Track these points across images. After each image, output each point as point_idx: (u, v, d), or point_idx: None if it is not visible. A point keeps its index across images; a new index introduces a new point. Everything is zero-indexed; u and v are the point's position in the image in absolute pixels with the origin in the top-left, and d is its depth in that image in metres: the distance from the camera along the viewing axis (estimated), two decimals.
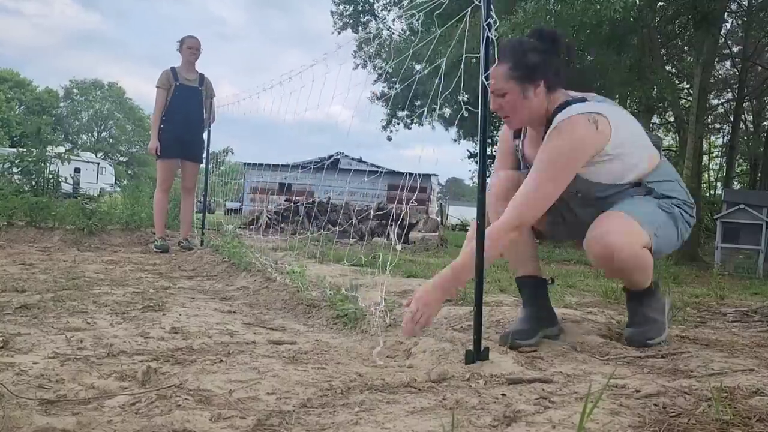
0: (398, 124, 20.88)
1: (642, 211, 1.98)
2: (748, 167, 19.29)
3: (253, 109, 4.89)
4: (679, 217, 2.05)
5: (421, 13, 2.32)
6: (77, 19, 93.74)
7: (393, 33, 18.87)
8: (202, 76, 5.56)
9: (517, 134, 2.22)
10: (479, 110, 1.70)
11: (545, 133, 1.97)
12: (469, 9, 1.81)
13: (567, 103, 1.97)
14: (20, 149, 7.85)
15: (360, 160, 23.94)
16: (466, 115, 1.73)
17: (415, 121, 19.91)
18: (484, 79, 1.69)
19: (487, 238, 1.77)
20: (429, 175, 22.87)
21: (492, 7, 1.69)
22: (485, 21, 1.68)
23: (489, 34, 1.68)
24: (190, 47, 5.45)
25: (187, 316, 2.33)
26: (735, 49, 17.27)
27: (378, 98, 20.49)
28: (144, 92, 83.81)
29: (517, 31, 9.62)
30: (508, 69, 1.91)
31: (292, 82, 3.50)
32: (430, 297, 1.89)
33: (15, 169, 7.25)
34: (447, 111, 17.62)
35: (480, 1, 1.69)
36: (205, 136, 5.73)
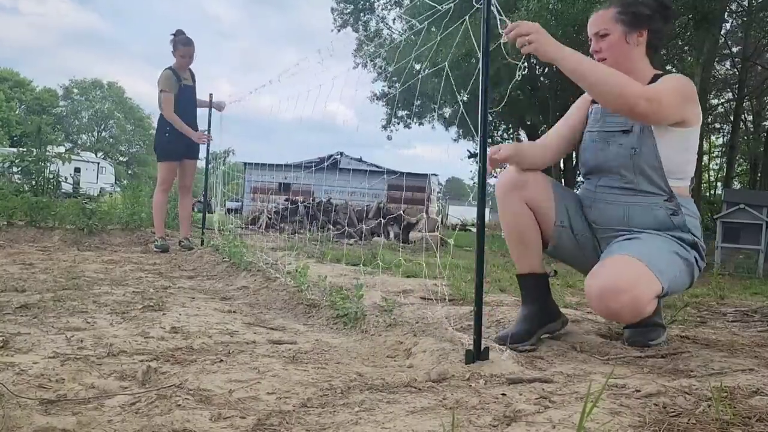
0: (398, 123, 20.89)
1: (661, 258, 1.88)
2: (748, 167, 19.30)
3: (254, 109, 4.90)
4: (694, 264, 1.98)
5: (422, 15, 2.32)
6: (71, 18, 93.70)
7: (393, 33, 18.88)
8: (192, 73, 5.56)
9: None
10: (479, 110, 1.70)
11: None
12: (467, 16, 1.82)
13: (668, 72, 2.03)
14: (20, 149, 7.85)
15: (360, 160, 23.95)
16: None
17: (414, 120, 19.94)
18: (483, 82, 1.69)
19: (611, 72, 1.81)
20: (429, 175, 22.88)
21: (495, 6, 1.69)
22: (485, 21, 1.69)
23: (485, 41, 1.69)
24: (183, 56, 5.36)
25: (187, 316, 2.33)
26: (735, 49, 17.28)
27: (378, 98, 20.51)
28: (141, 91, 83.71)
29: None
30: (615, 12, 1.98)
31: (292, 82, 3.52)
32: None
33: (15, 169, 7.25)
34: (447, 111, 17.64)
35: (480, 4, 1.69)
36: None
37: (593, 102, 2.15)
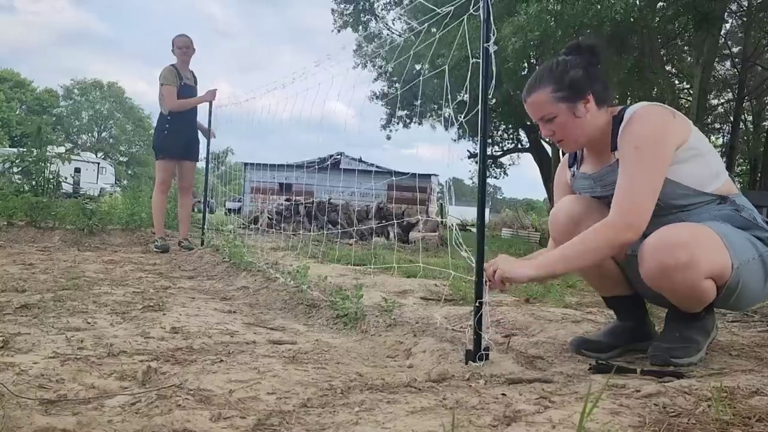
0: (398, 123, 20.90)
1: (736, 237, 1.66)
2: (748, 167, 19.30)
3: (254, 109, 4.91)
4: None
5: (422, 18, 2.33)
6: (67, 17, 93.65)
7: (393, 33, 18.89)
8: (193, 73, 5.60)
9: (572, 162, 2.04)
10: (479, 110, 1.70)
11: (612, 142, 1.80)
12: (465, 17, 1.82)
13: (630, 105, 1.81)
14: (20, 149, 7.85)
15: (360, 160, 23.97)
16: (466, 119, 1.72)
17: (414, 120, 19.96)
18: (483, 81, 1.69)
19: (581, 242, 1.67)
20: (429, 175, 22.88)
21: (491, 11, 1.70)
22: (485, 21, 1.69)
23: (487, 46, 1.69)
24: (181, 47, 5.42)
25: (188, 316, 2.33)
26: (735, 50, 17.29)
27: (378, 97, 20.54)
28: (139, 90, 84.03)
29: (520, 33, 9.64)
30: (550, 92, 1.79)
31: (293, 80, 3.53)
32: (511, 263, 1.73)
33: (15, 169, 7.25)
34: (447, 111, 17.63)
35: (478, 11, 1.70)
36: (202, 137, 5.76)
37: (570, 165, 2.04)
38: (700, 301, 1.70)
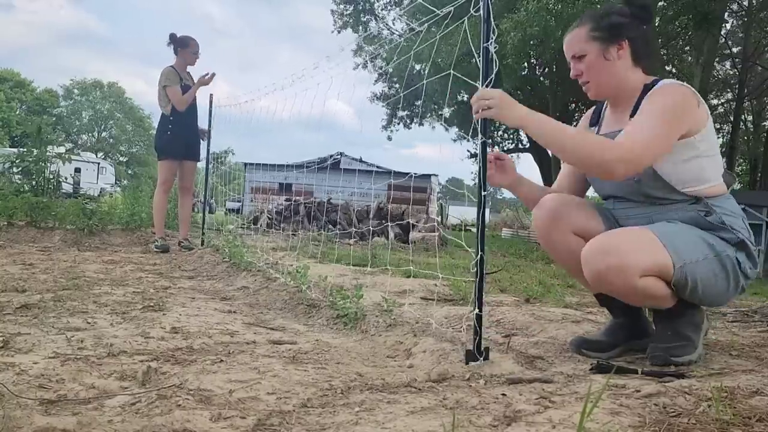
0: (398, 123, 20.91)
1: (680, 237, 1.70)
2: (748, 167, 19.30)
3: (253, 110, 4.91)
4: (735, 265, 1.73)
5: (422, 20, 2.33)
6: (64, 16, 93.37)
7: (393, 33, 18.90)
8: (189, 74, 5.59)
9: (594, 121, 2.03)
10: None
11: (636, 106, 1.79)
12: (466, 18, 1.82)
13: (663, 78, 1.81)
14: (20, 149, 7.85)
15: (360, 160, 23.97)
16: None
17: (415, 120, 19.97)
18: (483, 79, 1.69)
19: (584, 139, 1.68)
20: (429, 175, 22.88)
21: (491, 12, 1.70)
22: (485, 21, 1.69)
23: (487, 46, 1.69)
24: (195, 52, 5.44)
25: (188, 316, 2.33)
26: (735, 50, 17.30)
27: (378, 98, 20.55)
28: (137, 90, 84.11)
29: (519, 29, 9.65)
30: (587, 30, 1.81)
31: (292, 82, 3.53)
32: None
33: (15, 169, 7.24)
34: (447, 111, 17.64)
35: (478, 11, 1.70)
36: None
37: (591, 124, 2.05)
38: (649, 297, 1.72)
